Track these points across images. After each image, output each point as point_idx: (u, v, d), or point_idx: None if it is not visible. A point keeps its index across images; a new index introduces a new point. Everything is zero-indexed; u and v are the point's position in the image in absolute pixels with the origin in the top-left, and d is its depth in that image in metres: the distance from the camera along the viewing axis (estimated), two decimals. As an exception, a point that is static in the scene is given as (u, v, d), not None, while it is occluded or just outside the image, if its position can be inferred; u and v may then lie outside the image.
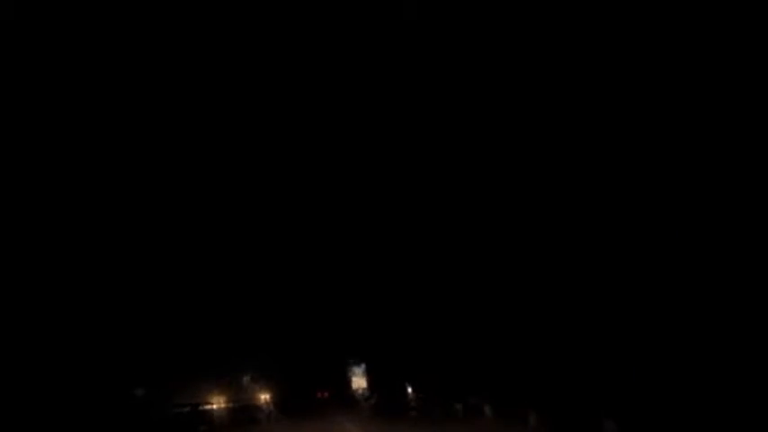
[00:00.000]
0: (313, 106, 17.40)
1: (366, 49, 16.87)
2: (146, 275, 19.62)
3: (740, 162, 14.94)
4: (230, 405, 28.14)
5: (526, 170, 17.06)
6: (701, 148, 15.31)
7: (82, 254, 17.96)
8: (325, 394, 32.68)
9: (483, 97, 16.99)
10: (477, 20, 16.58)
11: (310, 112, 17.54)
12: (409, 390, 28.13)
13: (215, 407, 27.62)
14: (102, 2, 15.85)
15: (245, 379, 29.88)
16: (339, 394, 32.94)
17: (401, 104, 17.37)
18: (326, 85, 17.15)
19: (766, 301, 12.44)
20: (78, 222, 17.43)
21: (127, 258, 18.82)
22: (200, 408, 27.36)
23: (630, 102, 16.03)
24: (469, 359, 21.76)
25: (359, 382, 34.66)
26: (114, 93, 16.82)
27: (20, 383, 16.93)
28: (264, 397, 30.18)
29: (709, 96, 15.15)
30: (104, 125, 17.08)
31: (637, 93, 15.94)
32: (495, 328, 19.65)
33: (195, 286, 21.31)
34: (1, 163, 16.21)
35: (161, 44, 16.43)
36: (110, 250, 18.41)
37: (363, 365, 34.44)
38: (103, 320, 18.99)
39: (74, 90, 16.52)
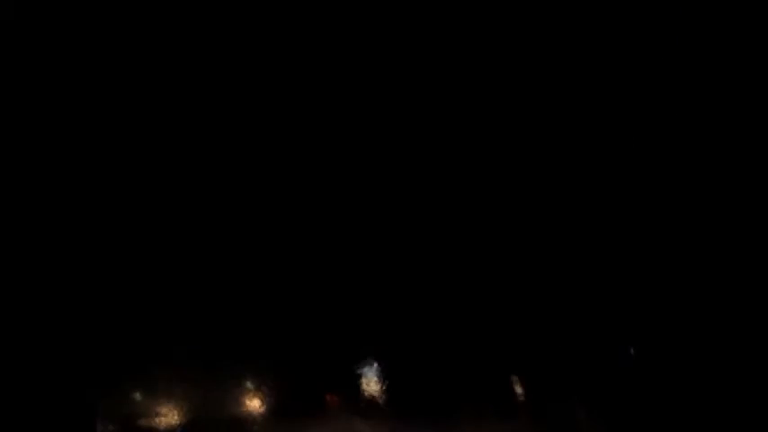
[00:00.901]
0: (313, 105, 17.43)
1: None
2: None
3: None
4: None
5: (526, 173, 17.05)
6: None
7: (78, 254, 17.97)
8: (335, 398, 29.10)
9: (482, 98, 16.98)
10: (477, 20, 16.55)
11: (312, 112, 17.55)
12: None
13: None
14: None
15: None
16: (351, 399, 29.84)
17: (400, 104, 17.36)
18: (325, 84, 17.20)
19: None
20: (76, 223, 17.48)
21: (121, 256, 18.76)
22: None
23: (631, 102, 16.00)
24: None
25: (370, 383, 32.07)
26: (114, 92, 16.92)
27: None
28: (253, 404, 26.35)
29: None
30: (104, 124, 17.16)
31: (637, 94, 15.89)
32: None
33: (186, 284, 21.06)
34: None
35: (161, 42, 16.55)
36: (105, 250, 18.39)
37: (376, 365, 31.95)
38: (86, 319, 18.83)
39: (73, 89, 16.66)
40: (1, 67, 15.79)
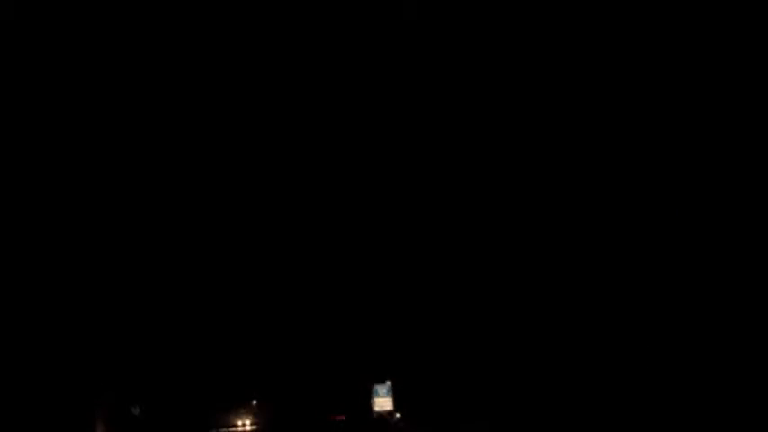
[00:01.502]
0: (312, 107, 17.35)
1: (366, 48, 16.82)
2: (140, 280, 19.36)
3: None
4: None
5: (525, 172, 16.88)
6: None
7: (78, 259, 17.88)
8: (342, 418, 27.86)
9: (483, 98, 16.83)
10: (478, 20, 16.44)
11: (310, 113, 17.47)
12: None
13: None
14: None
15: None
16: (358, 418, 28.13)
17: (400, 105, 17.26)
18: (326, 85, 17.11)
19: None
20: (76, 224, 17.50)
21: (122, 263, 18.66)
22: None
23: (630, 102, 15.83)
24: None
25: (383, 402, 29.00)
26: (115, 92, 16.96)
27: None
28: (242, 423, 24.91)
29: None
30: (105, 125, 17.19)
31: (636, 93, 15.72)
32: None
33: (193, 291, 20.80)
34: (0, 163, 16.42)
35: (161, 43, 16.58)
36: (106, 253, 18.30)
37: (389, 383, 28.95)
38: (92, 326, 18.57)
39: (74, 90, 16.72)
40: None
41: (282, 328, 23.34)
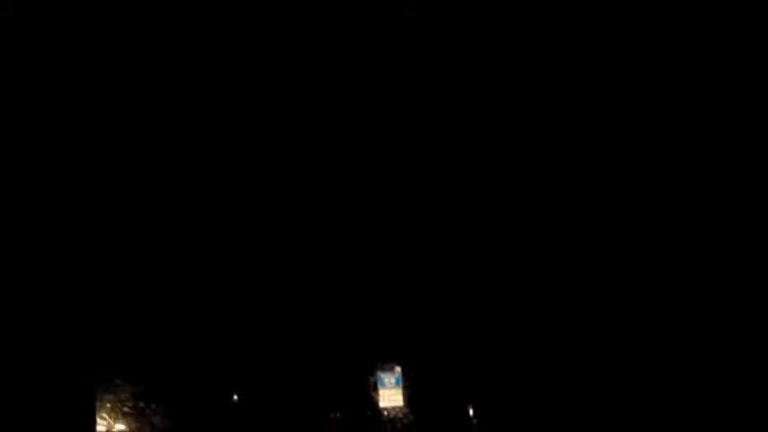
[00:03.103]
0: (312, 106, 17.42)
1: (366, 49, 16.87)
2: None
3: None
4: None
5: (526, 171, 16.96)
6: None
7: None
8: (337, 415, 22.14)
9: (483, 97, 16.89)
10: (478, 20, 16.49)
11: (309, 112, 17.54)
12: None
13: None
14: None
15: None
16: (359, 417, 22.48)
17: (402, 105, 17.33)
18: (326, 84, 17.19)
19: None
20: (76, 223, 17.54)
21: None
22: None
23: (630, 102, 15.88)
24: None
25: (391, 396, 22.94)
26: (115, 92, 17.04)
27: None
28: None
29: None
30: (105, 125, 17.27)
31: (636, 93, 15.77)
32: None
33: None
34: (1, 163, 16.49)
35: (160, 44, 16.66)
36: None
37: (398, 371, 23.10)
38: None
39: (74, 90, 16.81)
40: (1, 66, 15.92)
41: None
